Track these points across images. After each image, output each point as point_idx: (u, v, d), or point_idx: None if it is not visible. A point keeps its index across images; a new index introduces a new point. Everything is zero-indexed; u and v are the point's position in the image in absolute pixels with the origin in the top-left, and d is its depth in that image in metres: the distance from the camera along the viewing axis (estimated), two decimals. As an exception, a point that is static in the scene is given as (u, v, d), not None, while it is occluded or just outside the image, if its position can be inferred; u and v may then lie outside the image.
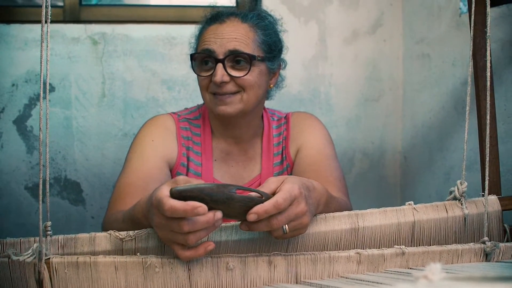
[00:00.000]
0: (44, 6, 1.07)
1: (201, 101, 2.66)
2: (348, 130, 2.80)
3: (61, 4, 2.62)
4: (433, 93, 2.54)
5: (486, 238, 1.35)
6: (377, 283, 1.10)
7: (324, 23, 2.77)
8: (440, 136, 2.48)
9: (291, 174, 1.79)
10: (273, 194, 1.15)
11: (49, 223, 1.14)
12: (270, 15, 1.82)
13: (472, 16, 1.40)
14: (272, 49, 1.75)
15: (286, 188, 1.14)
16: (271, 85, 1.80)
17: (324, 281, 1.19)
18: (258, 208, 1.10)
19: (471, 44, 1.40)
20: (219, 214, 1.08)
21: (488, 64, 1.39)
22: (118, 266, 1.11)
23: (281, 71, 1.86)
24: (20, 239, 1.16)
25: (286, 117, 1.90)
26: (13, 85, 2.53)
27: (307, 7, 2.74)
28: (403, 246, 1.28)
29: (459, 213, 1.38)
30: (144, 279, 1.12)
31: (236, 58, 1.66)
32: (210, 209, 1.06)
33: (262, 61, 1.71)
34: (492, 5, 1.41)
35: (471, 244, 1.34)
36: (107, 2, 2.76)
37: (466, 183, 1.39)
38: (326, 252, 1.24)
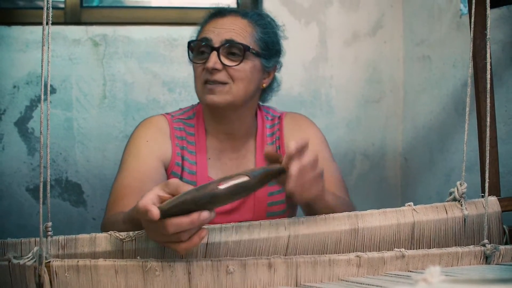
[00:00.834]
0: (45, 8, 1.07)
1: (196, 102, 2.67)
2: (348, 131, 2.80)
3: (62, 6, 2.62)
4: (433, 94, 2.54)
5: (486, 241, 1.35)
6: (377, 286, 1.10)
7: (325, 25, 2.77)
8: (441, 138, 2.48)
9: None
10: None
11: (49, 223, 1.14)
12: (271, 18, 1.85)
13: (472, 18, 1.40)
14: (269, 48, 1.77)
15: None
16: (264, 85, 1.81)
17: (324, 284, 1.19)
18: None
19: (471, 46, 1.40)
20: (205, 214, 1.08)
21: (488, 66, 1.39)
22: (118, 270, 1.11)
23: (278, 76, 1.88)
24: (21, 240, 1.16)
25: (280, 117, 1.91)
26: (14, 87, 2.54)
27: (308, 8, 2.74)
28: (403, 249, 1.28)
29: (459, 214, 1.38)
30: (144, 282, 1.12)
31: (231, 50, 1.70)
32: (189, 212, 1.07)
33: (257, 56, 1.73)
34: (492, 7, 1.40)
35: (471, 246, 1.34)
36: (108, 4, 2.76)
37: (465, 184, 1.39)
38: (326, 255, 1.24)
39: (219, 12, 1.80)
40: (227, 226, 1.25)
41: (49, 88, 1.13)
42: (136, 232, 1.20)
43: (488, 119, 1.39)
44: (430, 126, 2.57)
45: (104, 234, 1.19)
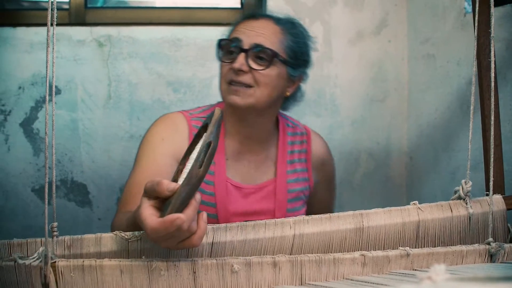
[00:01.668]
0: (50, 9, 1.07)
1: (205, 103, 2.67)
2: (353, 130, 2.80)
3: (66, 6, 2.63)
4: (438, 93, 2.54)
5: (491, 239, 1.35)
6: (382, 284, 1.10)
7: (329, 24, 2.77)
8: (446, 136, 2.48)
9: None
10: None
11: (55, 223, 1.14)
12: (304, 28, 1.86)
13: (476, 16, 1.40)
14: (297, 57, 1.78)
15: None
16: (288, 93, 1.82)
17: (329, 283, 1.19)
18: None
19: (475, 44, 1.40)
20: (198, 196, 1.11)
21: (492, 64, 1.39)
22: (124, 270, 1.12)
23: (302, 86, 1.90)
24: (27, 240, 1.16)
25: (307, 132, 1.96)
26: (19, 88, 2.55)
27: (312, 8, 2.74)
28: (408, 248, 1.28)
29: (464, 212, 1.38)
30: (149, 282, 1.12)
31: (260, 54, 1.70)
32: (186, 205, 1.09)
33: (284, 63, 1.74)
34: (496, 5, 1.40)
35: (476, 245, 1.34)
36: (112, 4, 2.77)
37: (470, 183, 1.39)
38: (330, 254, 1.24)
39: (253, 15, 1.82)
40: (232, 225, 1.25)
41: (54, 89, 1.13)
42: (141, 231, 1.20)
43: (492, 117, 1.39)
44: (435, 125, 2.56)
45: (109, 234, 1.19)
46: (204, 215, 1.14)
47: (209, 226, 1.21)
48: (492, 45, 1.39)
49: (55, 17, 1.09)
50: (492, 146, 1.38)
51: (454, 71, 2.41)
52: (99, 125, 2.61)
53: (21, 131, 2.56)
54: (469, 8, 2.33)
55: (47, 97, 1.11)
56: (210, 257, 1.21)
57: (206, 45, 2.67)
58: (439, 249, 1.31)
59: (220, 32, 2.65)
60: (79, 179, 2.62)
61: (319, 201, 2.00)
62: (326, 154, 2.00)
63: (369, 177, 2.85)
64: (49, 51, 1.09)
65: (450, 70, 2.44)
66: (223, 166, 1.79)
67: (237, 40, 1.73)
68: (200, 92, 2.66)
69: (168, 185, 1.10)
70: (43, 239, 1.10)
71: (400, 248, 1.29)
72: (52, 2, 1.08)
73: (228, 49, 1.75)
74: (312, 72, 2.75)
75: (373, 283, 1.12)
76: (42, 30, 2.55)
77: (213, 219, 1.73)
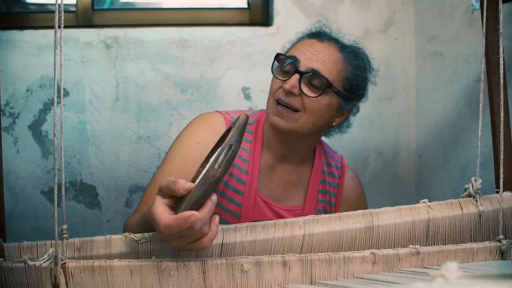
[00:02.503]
0: (57, 11, 1.08)
1: (213, 103, 2.67)
2: (362, 129, 2.79)
3: (73, 9, 2.63)
4: (446, 91, 2.53)
5: (501, 236, 1.34)
6: (392, 283, 1.10)
7: (336, 23, 2.76)
8: (455, 134, 2.47)
9: None
10: None
11: (65, 226, 1.15)
12: (368, 60, 1.80)
13: (484, 13, 1.39)
14: (352, 90, 1.72)
15: None
16: (334, 123, 1.77)
17: (339, 281, 1.19)
18: None
19: (484, 41, 1.40)
20: (214, 197, 1.12)
21: (501, 61, 1.39)
22: (134, 270, 1.12)
23: (351, 117, 1.85)
24: (37, 243, 1.17)
25: (342, 167, 1.91)
26: (27, 90, 2.55)
27: (319, 7, 2.73)
28: (418, 246, 1.28)
29: (474, 210, 1.37)
30: (159, 282, 1.13)
31: (313, 81, 1.65)
32: (201, 205, 1.10)
33: (337, 94, 1.69)
34: (504, 1, 1.40)
35: (486, 242, 1.34)
36: (119, 6, 2.77)
37: (480, 180, 1.39)
38: (340, 252, 1.24)
39: (319, 34, 1.76)
40: (241, 226, 1.25)
41: (62, 91, 1.13)
42: (151, 233, 1.20)
43: (502, 114, 1.38)
44: (444, 123, 2.55)
45: (119, 236, 1.20)
46: (216, 218, 1.14)
47: (219, 227, 1.21)
48: (500, 41, 1.38)
49: (62, 19, 1.09)
50: (501, 143, 1.38)
51: (462, 69, 2.40)
52: (107, 127, 2.62)
53: (29, 134, 2.56)
54: (477, 5, 2.32)
55: (55, 100, 1.11)
56: (220, 257, 1.21)
57: (213, 45, 2.67)
58: (450, 246, 1.30)
59: (227, 32, 2.67)
60: (88, 181, 2.62)
61: None
62: (358, 195, 1.93)
63: (378, 176, 2.84)
64: (57, 54, 1.09)
65: (458, 67, 2.43)
66: (256, 178, 1.74)
67: (295, 59, 1.67)
68: (207, 92, 2.66)
69: (184, 184, 1.11)
70: (53, 241, 1.11)
71: (410, 246, 1.29)
72: (59, 4, 1.08)
73: (283, 66, 1.70)
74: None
75: (384, 281, 1.12)
76: (49, 32, 2.56)
77: None
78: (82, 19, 2.63)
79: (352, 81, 1.71)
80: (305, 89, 1.64)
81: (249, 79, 2.69)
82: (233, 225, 1.24)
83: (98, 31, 2.61)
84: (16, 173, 2.56)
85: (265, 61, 2.67)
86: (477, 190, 1.38)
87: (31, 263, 1.08)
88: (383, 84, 2.81)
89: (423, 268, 1.26)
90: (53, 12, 1.08)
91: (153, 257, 1.17)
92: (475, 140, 1.40)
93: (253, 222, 1.26)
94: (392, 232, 1.32)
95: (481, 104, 1.36)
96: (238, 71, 2.68)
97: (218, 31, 2.68)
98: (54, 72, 1.09)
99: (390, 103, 2.83)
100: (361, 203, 1.91)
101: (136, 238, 1.19)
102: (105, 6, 2.75)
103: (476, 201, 1.38)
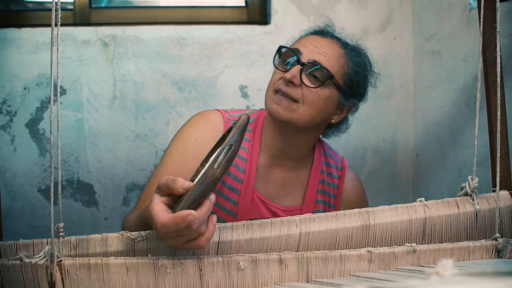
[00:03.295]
0: (54, 9, 1.07)
1: (210, 101, 2.66)
2: (359, 128, 2.79)
3: (71, 7, 2.63)
4: (444, 89, 2.53)
5: (498, 235, 1.34)
6: (388, 281, 1.10)
7: (334, 22, 2.76)
8: (452, 133, 2.47)
9: None
10: None
11: (61, 224, 1.14)
12: (369, 60, 1.81)
13: (482, 11, 1.39)
14: (352, 86, 1.73)
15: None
16: (333, 120, 1.77)
17: (335, 280, 1.19)
18: None
19: (481, 40, 1.40)
20: (213, 197, 1.13)
21: (498, 60, 1.39)
22: (130, 268, 1.12)
23: (350, 118, 1.86)
24: (33, 241, 1.17)
25: (342, 168, 1.90)
26: (24, 88, 2.55)
27: (317, 5, 2.73)
28: (414, 244, 1.28)
29: (471, 209, 1.38)
30: (155, 280, 1.13)
31: (315, 72, 1.65)
32: (199, 204, 1.10)
33: (337, 88, 1.69)
34: (501, 0, 1.40)
35: (483, 241, 1.34)
36: (117, 4, 2.77)
37: (477, 179, 1.39)
38: (337, 250, 1.24)
39: (321, 31, 1.78)
40: (238, 224, 1.25)
41: (59, 89, 1.13)
42: (147, 231, 1.20)
43: (499, 113, 1.39)
44: (441, 121, 2.56)
45: (115, 234, 1.20)
46: (214, 218, 1.14)
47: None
48: (498, 40, 1.38)
49: (59, 17, 1.09)
50: (498, 142, 1.38)
51: (460, 67, 2.40)
52: (105, 125, 2.62)
53: (26, 132, 2.56)
54: (474, 4, 2.32)
55: (52, 98, 1.11)
56: (217, 255, 1.21)
57: (211, 43, 2.67)
58: (446, 245, 1.31)
59: (225, 31, 2.66)
60: (85, 179, 2.62)
61: None
62: (358, 197, 1.93)
63: (375, 174, 2.84)
64: (54, 52, 1.09)
65: (456, 66, 2.43)
66: (253, 176, 1.74)
67: (297, 51, 1.68)
68: (205, 91, 2.66)
69: (183, 183, 1.11)
70: (49, 239, 1.10)
71: (406, 244, 1.29)
72: (56, 2, 1.08)
73: (285, 58, 1.71)
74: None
75: (380, 280, 1.12)
76: (47, 30, 2.55)
77: None
78: (79, 17, 2.62)
79: (352, 78, 1.72)
80: (306, 80, 1.65)
81: (246, 77, 2.68)
82: (229, 223, 1.25)
83: (95, 29, 2.60)
84: (13, 171, 2.55)
85: (263, 60, 2.67)
86: (473, 189, 1.39)
87: (27, 260, 1.08)
88: (380, 83, 2.78)
89: (420, 266, 1.26)
90: (51, 10, 1.08)
91: (149, 255, 1.17)
92: (472, 138, 1.40)
93: (250, 221, 1.27)
94: (388, 230, 1.32)
95: (478, 103, 1.36)
96: (236, 70, 2.68)
97: (216, 30, 2.67)
98: (51, 70, 1.09)
99: (388, 101, 2.83)
100: (361, 205, 1.89)
101: (132, 236, 1.19)
102: (103, 4, 2.75)
103: (473, 200, 1.38)
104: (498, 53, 1.39)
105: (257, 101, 2.67)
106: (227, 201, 1.71)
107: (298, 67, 1.65)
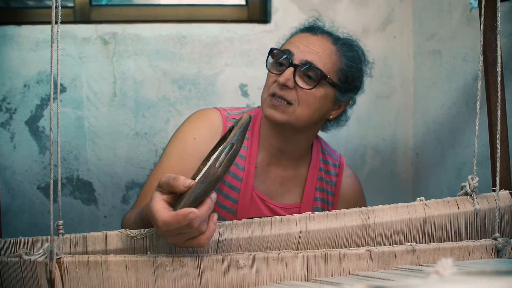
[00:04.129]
0: (54, 6, 1.07)
1: (210, 100, 2.66)
2: (359, 127, 2.79)
3: (71, 4, 2.63)
4: (444, 89, 2.53)
5: (497, 234, 1.34)
6: (388, 280, 1.10)
7: (334, 21, 2.76)
8: (452, 132, 2.47)
9: None
10: None
11: (61, 222, 1.14)
12: (363, 51, 1.80)
13: (482, 11, 1.39)
14: (347, 81, 1.72)
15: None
16: (331, 116, 1.77)
17: (335, 278, 1.19)
18: None
19: (481, 39, 1.40)
20: (214, 195, 1.13)
21: (499, 59, 1.39)
22: (129, 265, 1.12)
23: (348, 111, 1.84)
24: (33, 238, 1.17)
25: (340, 165, 1.90)
26: (24, 86, 2.55)
27: (317, 5, 2.73)
28: (414, 243, 1.28)
29: (471, 208, 1.37)
30: (154, 278, 1.12)
31: (308, 73, 1.64)
32: (201, 203, 1.10)
33: (332, 86, 1.68)
34: (502, 0, 1.40)
35: (482, 240, 1.34)
36: (117, 2, 2.76)
37: (477, 178, 1.39)
38: (336, 249, 1.24)
39: (311, 28, 1.76)
40: (238, 222, 1.25)
41: (59, 87, 1.13)
42: (147, 229, 1.20)
43: (499, 113, 1.39)
44: (441, 121, 2.56)
45: (115, 232, 1.20)
46: (215, 216, 1.14)
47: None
48: (498, 40, 1.38)
49: (59, 15, 1.09)
50: (498, 142, 1.38)
51: (460, 67, 2.40)
52: (105, 123, 2.61)
53: (26, 129, 2.56)
54: (475, 3, 2.32)
55: (52, 95, 1.11)
56: (216, 253, 1.21)
57: (211, 42, 2.66)
58: (446, 244, 1.31)
59: (225, 29, 2.66)
60: (84, 176, 2.62)
61: None
62: (356, 194, 1.92)
63: (375, 174, 2.84)
64: (54, 49, 1.09)
65: (456, 65, 2.43)
66: (252, 174, 1.74)
67: (289, 52, 1.67)
68: (205, 89, 2.66)
69: (184, 181, 1.11)
70: (49, 237, 1.10)
71: (406, 243, 1.29)
72: (56, 0, 1.08)
73: (278, 59, 1.70)
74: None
75: (379, 278, 1.12)
76: (47, 28, 2.55)
77: None
78: (80, 14, 2.62)
79: (347, 73, 1.71)
80: (300, 82, 1.64)
81: (246, 76, 2.68)
82: (229, 222, 1.24)
83: (96, 27, 2.60)
84: (12, 168, 2.55)
85: (263, 58, 2.64)
86: (473, 188, 1.39)
87: (26, 257, 1.08)
88: (381, 82, 2.81)
89: (419, 265, 1.26)
90: (51, 7, 1.08)
91: (148, 253, 1.17)
92: (472, 138, 1.40)
93: (250, 219, 1.26)
94: (388, 230, 1.32)
95: (478, 103, 1.36)
96: (236, 68, 2.68)
97: (216, 28, 2.67)
98: (51, 67, 1.09)
99: (388, 101, 2.83)
100: (359, 202, 1.90)
101: (132, 234, 1.19)
102: (103, 2, 2.75)
103: (473, 199, 1.38)
104: (499, 53, 1.39)
105: (257, 100, 2.66)
106: (226, 199, 1.71)
107: (290, 69, 1.64)
